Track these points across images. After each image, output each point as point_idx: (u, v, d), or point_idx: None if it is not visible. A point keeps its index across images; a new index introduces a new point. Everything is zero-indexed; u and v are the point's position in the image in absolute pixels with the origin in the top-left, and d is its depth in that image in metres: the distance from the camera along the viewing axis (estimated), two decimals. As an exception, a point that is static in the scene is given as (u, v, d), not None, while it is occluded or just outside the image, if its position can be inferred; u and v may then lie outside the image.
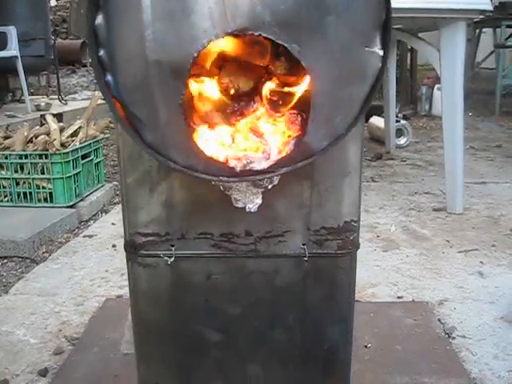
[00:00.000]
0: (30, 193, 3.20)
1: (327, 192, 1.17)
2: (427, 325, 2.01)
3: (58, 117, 3.76)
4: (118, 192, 3.80)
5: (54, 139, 3.17)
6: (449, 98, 3.10)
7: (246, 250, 1.20)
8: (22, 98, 5.93)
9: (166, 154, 0.96)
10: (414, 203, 3.45)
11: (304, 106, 0.98)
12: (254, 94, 1.04)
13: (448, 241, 2.82)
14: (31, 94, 6.79)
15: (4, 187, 3.24)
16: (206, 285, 1.22)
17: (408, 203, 3.46)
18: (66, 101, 6.51)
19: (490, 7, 2.97)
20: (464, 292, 2.26)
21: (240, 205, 1.09)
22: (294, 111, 1.01)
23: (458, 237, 2.87)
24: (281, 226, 1.19)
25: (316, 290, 1.23)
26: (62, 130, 3.38)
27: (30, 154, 3.14)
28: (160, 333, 1.29)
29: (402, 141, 5.12)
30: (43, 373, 1.75)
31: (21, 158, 3.16)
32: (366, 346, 1.87)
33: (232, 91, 1.03)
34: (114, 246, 2.82)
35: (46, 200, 3.21)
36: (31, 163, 3.15)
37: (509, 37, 7.28)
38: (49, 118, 3.44)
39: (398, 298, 2.24)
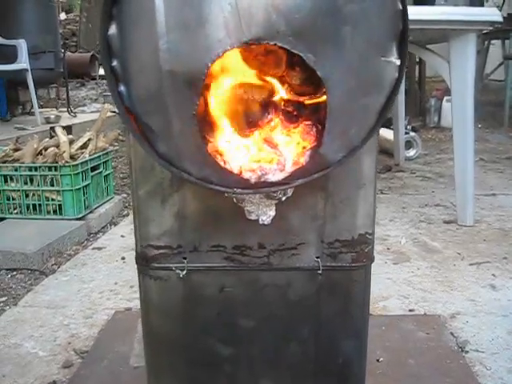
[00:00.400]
0: (40, 205, 3.20)
1: (342, 204, 1.15)
2: (440, 338, 1.99)
3: (68, 129, 3.77)
4: (126, 204, 3.80)
5: (64, 151, 3.18)
6: (459, 110, 3.09)
7: (259, 263, 1.18)
8: (32, 110, 5.95)
9: (179, 166, 0.95)
10: (424, 215, 3.43)
11: (319, 117, 0.97)
12: (268, 104, 1.03)
13: (459, 253, 2.79)
14: (41, 106, 6.82)
15: (14, 199, 3.24)
16: (218, 298, 1.20)
17: (418, 215, 3.43)
18: (75, 113, 6.53)
19: (500, 19, 2.95)
20: (476, 305, 2.23)
21: (253, 217, 1.08)
22: (309, 122, 1.00)
23: (469, 249, 2.84)
24: (294, 239, 1.17)
25: (330, 303, 1.21)
26: (71, 142, 3.39)
27: (40, 167, 3.14)
28: (171, 346, 1.27)
29: (412, 153, 5.10)
30: (52, 386, 1.74)
31: (30, 170, 3.17)
32: (377, 360, 1.84)
33: (246, 102, 1.02)
34: (123, 258, 2.81)
35: (55, 212, 3.21)
36: (41, 175, 3.15)
37: (518, 48, 7.28)
38: (58, 131, 3.45)
39: (410, 311, 2.21)
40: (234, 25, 0.86)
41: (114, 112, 5.21)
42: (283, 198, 1.05)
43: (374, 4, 0.88)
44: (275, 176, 0.96)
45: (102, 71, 8.88)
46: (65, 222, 3.14)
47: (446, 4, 3.50)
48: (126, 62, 0.92)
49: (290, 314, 1.22)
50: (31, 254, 2.71)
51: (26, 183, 3.21)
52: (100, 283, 2.53)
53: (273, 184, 0.96)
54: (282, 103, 1.02)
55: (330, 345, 1.25)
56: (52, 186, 3.18)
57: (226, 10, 0.86)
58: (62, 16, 11.09)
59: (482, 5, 7.08)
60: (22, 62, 5.46)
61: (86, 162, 3.26)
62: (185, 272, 1.17)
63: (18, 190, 3.21)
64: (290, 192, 1.04)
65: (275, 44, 0.86)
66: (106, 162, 3.55)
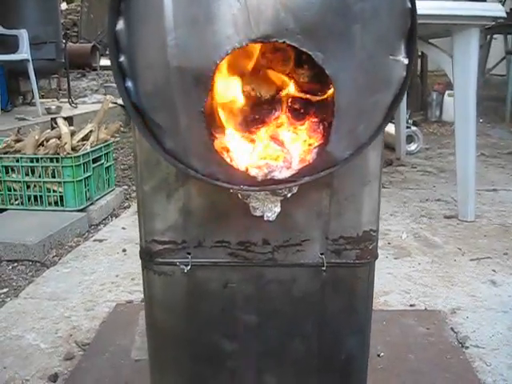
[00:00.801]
0: (41, 196, 3.21)
1: (347, 201, 1.15)
2: (440, 334, 1.99)
3: (69, 120, 3.76)
4: (128, 196, 3.80)
5: (65, 143, 3.17)
6: (461, 105, 3.09)
7: (263, 259, 1.18)
8: (33, 101, 5.93)
9: (185, 162, 0.95)
10: (425, 210, 3.43)
11: (326, 115, 0.97)
12: (275, 101, 1.03)
13: (460, 248, 2.80)
14: (42, 97, 6.80)
15: (15, 190, 3.24)
16: (222, 293, 1.20)
17: (419, 210, 3.44)
18: (76, 104, 6.51)
19: (503, 14, 2.95)
20: (477, 301, 2.24)
21: (258, 213, 1.08)
22: (316, 119, 1.00)
23: (469, 244, 2.85)
24: (299, 235, 1.17)
25: (334, 299, 1.21)
26: (72, 133, 3.38)
27: (41, 158, 3.14)
28: (175, 341, 1.27)
29: (413, 147, 5.10)
30: (53, 378, 1.74)
31: (32, 162, 3.17)
32: (378, 355, 1.85)
33: (253, 98, 1.01)
34: (124, 250, 2.82)
35: (56, 203, 3.21)
36: (42, 167, 3.15)
37: (520, 43, 7.27)
38: (60, 122, 3.44)
39: (411, 306, 2.22)
40: (242, 22, 0.86)
41: (116, 103, 5.21)
42: (288, 195, 1.05)
43: (384, 2, 0.88)
44: (282, 173, 0.96)
45: (102, 62, 8.87)
46: (66, 214, 3.14)
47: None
48: (133, 58, 0.91)
49: (293, 310, 1.22)
50: (32, 246, 2.71)
51: (27, 174, 3.21)
52: (101, 275, 2.53)
53: (279, 181, 0.96)
54: (289, 100, 1.02)
55: (334, 341, 1.25)
56: (53, 177, 3.18)
57: (234, 6, 0.85)
58: (63, 6, 11.04)
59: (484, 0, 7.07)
60: (23, 53, 5.44)
61: (88, 153, 3.26)
62: (189, 267, 1.17)
63: (20, 181, 3.21)
64: (295, 189, 1.04)
65: (284, 42, 0.86)
66: (107, 153, 3.55)
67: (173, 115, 0.92)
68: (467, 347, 1.91)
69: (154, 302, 1.25)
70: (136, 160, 1.15)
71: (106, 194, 3.53)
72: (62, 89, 7.42)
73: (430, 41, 3.52)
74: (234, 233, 1.17)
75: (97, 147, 3.38)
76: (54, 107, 5.84)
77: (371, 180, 1.15)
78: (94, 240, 3.00)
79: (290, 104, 1.02)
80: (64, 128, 3.34)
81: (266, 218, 1.08)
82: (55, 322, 2.11)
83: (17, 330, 2.05)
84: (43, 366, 1.81)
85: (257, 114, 1.02)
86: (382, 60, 0.91)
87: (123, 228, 3.17)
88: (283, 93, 1.01)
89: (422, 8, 2.73)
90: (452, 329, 2.02)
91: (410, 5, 0.89)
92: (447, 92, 6.50)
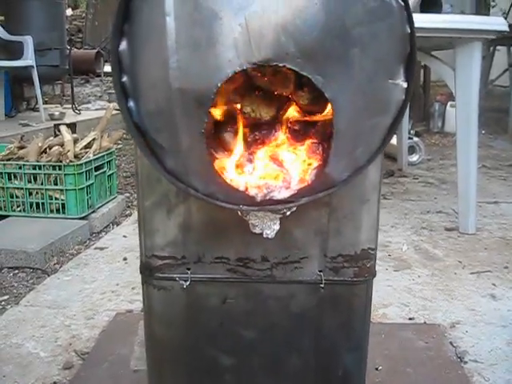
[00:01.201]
0: (43, 203, 3.21)
1: (345, 219, 1.16)
2: (439, 348, 1.99)
3: (72, 126, 3.77)
4: (129, 204, 3.81)
5: (68, 150, 3.18)
6: (463, 118, 3.09)
7: (262, 276, 1.19)
8: (37, 106, 5.96)
9: (186, 181, 0.96)
10: (426, 222, 3.44)
11: (325, 136, 0.98)
12: (275, 122, 1.04)
13: (460, 261, 2.80)
14: (45, 102, 6.82)
15: (17, 197, 3.25)
16: (221, 309, 1.21)
17: (420, 222, 3.44)
18: (79, 110, 6.54)
19: (505, 28, 2.96)
20: (476, 315, 2.24)
21: (257, 230, 1.09)
22: (315, 141, 1.01)
23: (470, 257, 2.85)
24: (298, 252, 1.18)
25: (332, 316, 1.22)
26: (75, 141, 3.40)
27: (44, 165, 3.15)
28: (173, 354, 1.28)
29: (415, 158, 5.10)
30: (52, 388, 1.75)
31: (34, 169, 3.18)
32: (376, 369, 1.85)
33: (253, 119, 1.02)
34: (125, 258, 2.82)
35: (58, 211, 3.22)
36: (45, 174, 3.16)
37: (523, 55, 7.27)
38: (63, 129, 3.46)
39: (410, 319, 2.22)
40: (243, 45, 0.87)
41: (119, 110, 5.22)
42: (288, 213, 1.06)
43: (383, 27, 0.89)
44: (281, 194, 0.97)
45: (106, 68, 8.90)
46: (68, 221, 3.15)
47: (453, 12, 3.52)
48: (135, 78, 0.92)
49: (291, 325, 1.23)
50: (33, 253, 2.72)
51: (29, 181, 3.22)
52: (101, 284, 2.54)
53: (278, 202, 0.97)
54: (289, 122, 1.03)
55: (331, 357, 1.26)
56: (56, 184, 3.19)
57: (236, 30, 0.87)
58: (69, 12, 11.08)
59: (488, 11, 7.09)
60: (28, 59, 5.47)
61: (90, 161, 3.27)
62: (188, 283, 1.19)
63: (22, 188, 3.22)
64: (294, 207, 1.05)
65: (284, 66, 0.87)
66: (109, 161, 3.56)
67: (174, 135, 0.93)
68: (466, 362, 1.90)
69: (153, 316, 1.26)
70: (137, 176, 1.16)
71: (107, 202, 3.54)
72: (66, 95, 7.44)
73: (433, 53, 3.53)
74: (233, 249, 1.18)
75: (99, 155, 3.39)
76: (57, 113, 5.87)
77: (370, 198, 1.15)
78: (95, 248, 3.00)
79: (289, 125, 1.03)
80: (67, 135, 3.35)
81: (265, 236, 1.09)
82: (55, 331, 2.11)
83: (17, 338, 2.06)
84: (42, 375, 1.81)
85: (256, 134, 1.03)
86: (381, 84, 0.92)
87: (124, 236, 3.18)
88: (283, 114, 1.02)
89: (424, 21, 2.75)
90: (451, 343, 2.02)
91: (409, 30, 0.90)
92: (450, 103, 6.49)
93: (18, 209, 3.26)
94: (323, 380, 1.28)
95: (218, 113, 0.98)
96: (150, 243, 1.19)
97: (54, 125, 3.83)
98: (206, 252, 1.19)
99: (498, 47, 7.49)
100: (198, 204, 1.15)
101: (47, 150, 3.30)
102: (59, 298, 2.39)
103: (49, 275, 2.64)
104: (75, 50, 8.59)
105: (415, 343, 2.02)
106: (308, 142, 1.02)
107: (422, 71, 7.09)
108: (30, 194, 3.23)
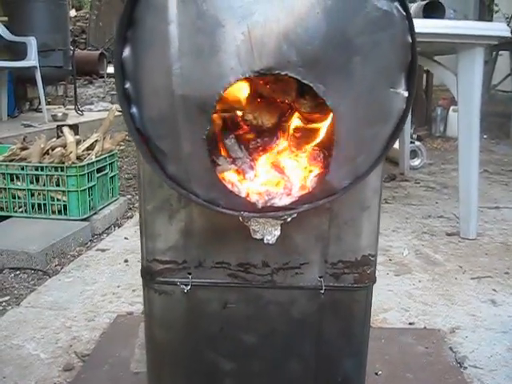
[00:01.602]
0: (45, 204, 3.22)
1: (346, 225, 1.17)
2: (439, 353, 1.99)
3: (74, 128, 3.79)
4: (131, 206, 3.81)
5: (71, 152, 3.19)
6: (465, 123, 3.10)
7: (262, 281, 1.20)
8: (40, 107, 5.97)
9: (187, 187, 0.97)
10: (427, 227, 3.44)
11: (327, 144, 0.99)
12: (277, 129, 1.05)
13: (461, 266, 2.80)
14: (48, 103, 6.84)
15: (19, 198, 3.26)
16: (221, 313, 1.22)
17: (421, 226, 3.44)
18: (82, 111, 6.55)
19: (508, 34, 2.96)
20: (476, 320, 2.24)
21: (258, 236, 1.09)
22: (317, 148, 1.02)
23: (470, 263, 2.85)
24: (298, 258, 1.19)
25: (331, 322, 1.23)
26: (78, 142, 3.41)
27: (46, 167, 3.16)
28: (173, 358, 1.29)
29: (416, 162, 5.10)
30: (53, 390, 1.75)
31: (37, 170, 3.19)
32: (376, 374, 1.85)
33: (255, 127, 1.03)
34: (126, 260, 2.83)
35: (60, 212, 3.23)
36: (47, 175, 3.17)
37: (526, 60, 7.28)
38: (65, 131, 3.46)
39: (410, 324, 2.22)
40: (245, 54, 0.87)
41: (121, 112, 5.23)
42: (288, 219, 1.07)
43: (385, 36, 0.90)
44: (282, 200, 0.97)
45: (110, 69, 8.91)
46: (69, 223, 3.15)
47: (456, 17, 3.52)
48: (138, 85, 0.93)
49: (291, 331, 1.24)
50: (35, 254, 2.72)
51: (31, 182, 3.22)
52: (103, 286, 2.54)
53: (279, 209, 0.97)
54: (291, 129, 1.04)
55: (331, 363, 1.26)
56: (58, 186, 3.19)
57: (238, 38, 0.87)
58: (72, 13, 11.12)
59: (491, 16, 7.08)
60: (32, 60, 5.49)
61: (93, 163, 3.28)
62: (189, 287, 1.19)
63: (24, 189, 3.23)
64: (295, 214, 1.06)
65: (286, 74, 0.88)
66: (112, 163, 3.57)
67: (176, 142, 0.94)
68: (465, 367, 1.90)
69: (153, 319, 1.27)
70: (139, 180, 1.17)
71: (109, 204, 3.55)
72: (69, 95, 7.46)
73: (435, 58, 3.54)
74: (234, 254, 1.19)
75: (101, 157, 3.40)
76: (60, 114, 5.88)
77: (370, 205, 1.16)
78: (97, 250, 3.01)
79: (291, 132, 1.04)
80: (69, 137, 3.36)
81: (265, 241, 1.09)
82: (56, 332, 2.11)
83: (17, 339, 2.06)
84: (42, 377, 1.82)
85: (258, 141, 1.04)
86: (383, 92, 0.93)
87: (126, 238, 3.18)
88: (285, 121, 1.03)
89: (427, 26, 2.75)
90: (451, 348, 2.02)
91: (410, 39, 0.91)
92: (452, 107, 6.50)
93: (20, 210, 3.27)
94: (323, 385, 1.29)
95: (219, 120, 0.99)
96: (152, 247, 1.20)
97: (57, 126, 3.84)
98: (207, 257, 1.19)
99: (501, 52, 7.50)
100: (199, 209, 1.15)
101: (50, 151, 3.30)
102: (60, 300, 2.39)
103: (50, 276, 2.64)
104: (79, 50, 8.61)
105: (415, 348, 2.02)
106: (309, 149, 1.03)
107: (424, 76, 7.09)
108: (32, 195, 3.24)
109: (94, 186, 3.31)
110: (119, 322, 2.20)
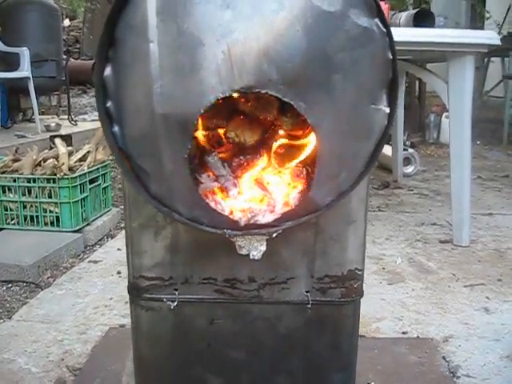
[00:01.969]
0: (37, 216, 3.21)
1: (332, 240, 1.16)
2: (432, 363, 1.99)
3: (68, 138, 3.78)
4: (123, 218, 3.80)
5: (63, 163, 3.19)
6: (456, 131, 3.10)
7: (249, 296, 1.20)
8: (33, 117, 5.96)
9: (170, 205, 0.96)
10: (420, 234, 3.44)
11: (309, 161, 0.99)
12: (259, 146, 1.05)
13: (454, 274, 2.79)
14: (42, 113, 6.83)
15: (11, 210, 3.24)
16: (208, 329, 1.22)
17: (415, 234, 3.44)
18: (75, 121, 6.54)
19: (498, 42, 2.98)
20: (469, 328, 2.24)
21: (244, 252, 1.09)
22: (300, 165, 1.02)
23: (463, 270, 2.85)
24: (284, 273, 1.19)
25: (319, 336, 1.22)
26: (70, 153, 3.40)
27: (38, 178, 3.15)
28: (161, 375, 1.28)
29: (410, 169, 5.10)
30: (43, 404, 1.74)
31: (29, 182, 3.18)
32: (369, 384, 1.85)
33: (237, 144, 1.03)
34: (118, 272, 2.82)
35: (52, 224, 3.22)
36: (39, 187, 3.15)
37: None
38: (58, 142, 3.46)
39: (403, 333, 2.22)
40: (226, 72, 0.88)
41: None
42: (274, 235, 1.06)
43: (365, 53, 0.90)
44: (265, 218, 0.97)
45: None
46: (62, 234, 3.14)
47: (447, 24, 3.54)
48: (120, 104, 0.93)
49: (279, 346, 1.23)
50: (27, 267, 2.70)
51: (24, 194, 3.21)
52: (95, 298, 2.53)
53: (262, 226, 0.97)
54: (274, 146, 1.04)
55: (319, 377, 1.26)
56: (50, 197, 3.18)
57: (218, 57, 0.87)
58: (66, 22, 11.13)
59: (482, 23, 7.11)
60: (24, 70, 5.48)
61: (85, 174, 3.27)
62: (176, 303, 1.19)
63: (16, 201, 3.21)
64: (279, 230, 1.06)
65: (266, 92, 0.88)
66: (104, 174, 3.56)
67: (158, 160, 0.94)
68: (458, 377, 1.90)
69: (140, 335, 1.27)
70: (125, 197, 1.16)
71: (102, 215, 3.53)
72: (63, 105, 7.44)
73: (427, 65, 3.55)
74: (220, 270, 1.19)
75: (94, 168, 3.39)
76: (53, 124, 5.86)
77: (356, 220, 1.16)
78: (89, 261, 3.00)
79: (274, 149, 1.04)
80: (62, 148, 3.36)
81: (251, 257, 1.09)
82: (47, 346, 2.10)
83: (9, 353, 2.05)
84: (33, 392, 1.81)
85: (241, 158, 1.03)
86: (364, 109, 0.93)
87: (119, 249, 3.17)
88: (267, 138, 1.03)
89: (418, 35, 2.76)
90: (444, 357, 2.02)
91: (391, 55, 0.91)
92: (445, 114, 6.49)
93: (12, 222, 3.26)
94: (312, 400, 1.28)
95: (201, 138, 0.99)
96: (138, 264, 1.19)
97: (50, 136, 3.83)
98: (194, 273, 1.19)
99: (493, 58, 7.53)
100: (184, 226, 1.15)
101: (42, 162, 3.30)
102: (52, 313, 2.38)
103: (42, 289, 2.63)
104: (72, 60, 8.61)
105: (408, 358, 2.02)
106: (292, 166, 1.03)
107: (417, 82, 7.11)
108: (25, 206, 3.23)
109: (86, 197, 3.30)
110: (111, 335, 2.18)
